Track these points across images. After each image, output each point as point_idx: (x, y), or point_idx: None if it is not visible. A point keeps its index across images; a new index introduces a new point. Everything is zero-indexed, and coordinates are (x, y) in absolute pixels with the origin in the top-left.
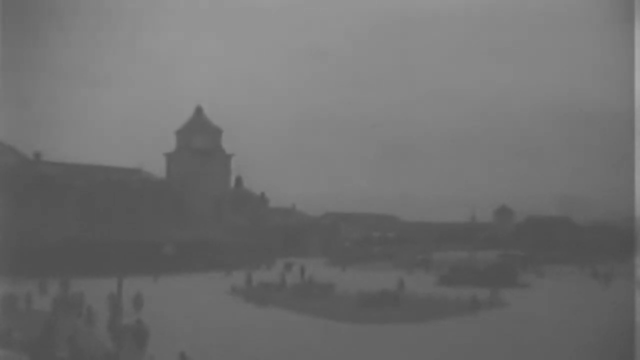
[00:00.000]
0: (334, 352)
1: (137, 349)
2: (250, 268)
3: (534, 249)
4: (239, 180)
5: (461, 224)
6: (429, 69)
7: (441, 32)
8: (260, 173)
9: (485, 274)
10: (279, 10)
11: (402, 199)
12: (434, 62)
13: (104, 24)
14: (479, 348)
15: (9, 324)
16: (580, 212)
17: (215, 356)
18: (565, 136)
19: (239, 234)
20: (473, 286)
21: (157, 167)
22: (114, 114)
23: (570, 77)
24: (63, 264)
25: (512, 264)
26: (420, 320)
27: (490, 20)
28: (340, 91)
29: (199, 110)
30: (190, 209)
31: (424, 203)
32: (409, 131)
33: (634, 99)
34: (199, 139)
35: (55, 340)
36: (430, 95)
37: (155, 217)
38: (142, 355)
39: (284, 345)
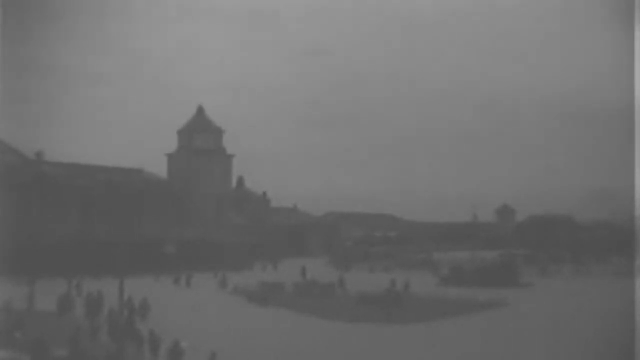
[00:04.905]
0: (334, 352)
1: (138, 348)
2: (251, 269)
3: (535, 248)
4: (240, 180)
5: (463, 223)
6: (430, 68)
7: (442, 31)
8: (261, 173)
9: (486, 274)
10: (280, 9)
11: (403, 198)
12: (436, 60)
13: (106, 22)
14: (480, 348)
15: (10, 324)
16: (582, 211)
17: (216, 355)
18: (566, 135)
19: (241, 233)
20: (474, 286)
21: (158, 167)
22: (115, 113)
23: (570, 76)
24: (63, 264)
25: (514, 263)
26: (421, 320)
27: (491, 19)
28: (342, 90)
29: (200, 110)
30: (192, 209)
31: (425, 202)
32: (410, 130)
33: (634, 98)
34: (201, 139)
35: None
36: (432, 93)
37: (156, 217)
38: (142, 354)
39: (285, 345)
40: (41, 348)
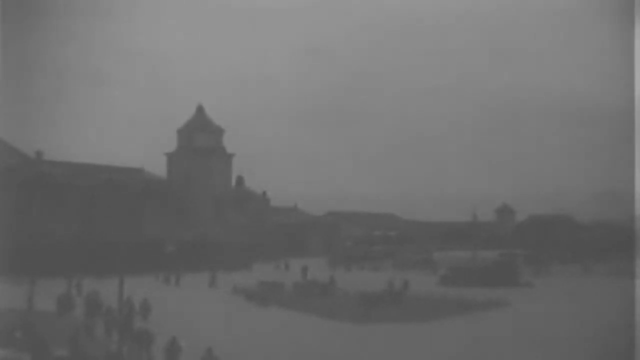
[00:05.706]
0: (334, 352)
1: (139, 348)
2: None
3: (535, 248)
4: (240, 180)
5: (462, 223)
6: (430, 68)
7: (442, 32)
8: (261, 172)
9: (486, 274)
10: (280, 8)
11: (403, 198)
12: (435, 60)
13: (106, 22)
14: (479, 347)
15: (10, 324)
16: (582, 211)
17: (212, 352)
18: (566, 135)
19: (241, 233)
20: (474, 286)
21: (158, 167)
22: (115, 112)
23: (570, 76)
24: (63, 264)
25: (514, 263)
26: (421, 319)
27: (490, 19)
28: (342, 90)
29: (200, 110)
30: (192, 208)
31: (425, 202)
32: (410, 130)
33: (634, 98)
34: (201, 138)
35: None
36: (432, 93)
37: (156, 216)
38: (142, 354)
39: (285, 345)
40: (41, 348)
